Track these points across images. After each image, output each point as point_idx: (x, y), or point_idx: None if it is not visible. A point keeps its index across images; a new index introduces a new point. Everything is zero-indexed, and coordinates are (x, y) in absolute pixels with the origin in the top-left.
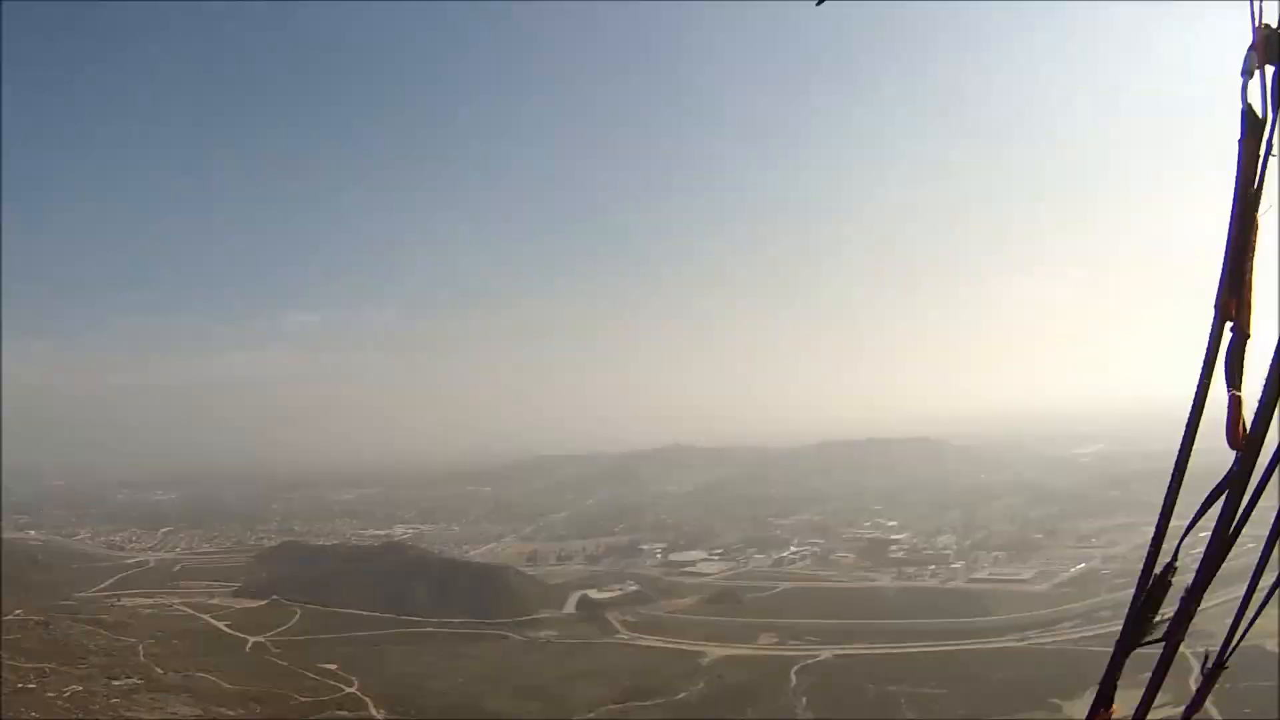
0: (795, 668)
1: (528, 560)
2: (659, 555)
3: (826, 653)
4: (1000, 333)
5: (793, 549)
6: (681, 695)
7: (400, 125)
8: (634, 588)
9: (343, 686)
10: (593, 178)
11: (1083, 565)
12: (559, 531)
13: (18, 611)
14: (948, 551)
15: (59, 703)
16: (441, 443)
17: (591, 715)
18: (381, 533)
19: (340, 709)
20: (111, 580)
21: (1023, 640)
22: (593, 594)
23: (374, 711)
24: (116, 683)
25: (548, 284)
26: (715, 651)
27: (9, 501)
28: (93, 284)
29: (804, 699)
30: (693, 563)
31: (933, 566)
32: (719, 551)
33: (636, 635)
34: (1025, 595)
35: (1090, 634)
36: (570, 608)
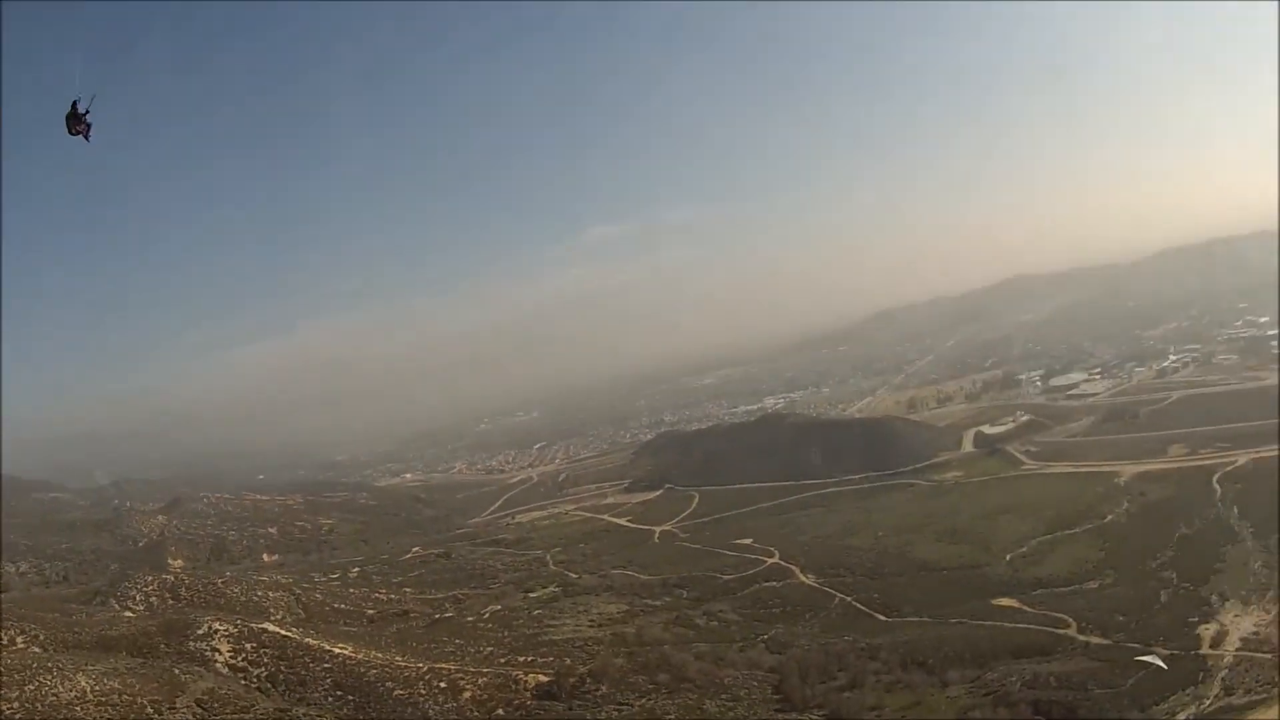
0: (1215, 476)
1: (909, 408)
2: (1039, 383)
3: (1242, 457)
4: None
5: (1172, 358)
6: (1109, 518)
7: None
8: (1026, 418)
9: (763, 559)
10: None
11: None
12: (930, 375)
13: (415, 549)
14: None
15: (480, 624)
16: (777, 319)
17: (1023, 549)
18: (753, 407)
19: (768, 580)
20: (499, 502)
21: None
22: (986, 430)
23: (803, 577)
24: (534, 595)
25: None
26: (1128, 470)
27: (377, 452)
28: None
29: (1234, 508)
30: (1075, 385)
31: None
32: (1098, 370)
33: (1044, 464)
34: None
35: None
36: (968, 446)
